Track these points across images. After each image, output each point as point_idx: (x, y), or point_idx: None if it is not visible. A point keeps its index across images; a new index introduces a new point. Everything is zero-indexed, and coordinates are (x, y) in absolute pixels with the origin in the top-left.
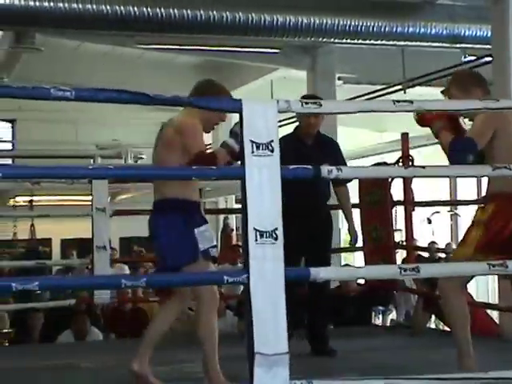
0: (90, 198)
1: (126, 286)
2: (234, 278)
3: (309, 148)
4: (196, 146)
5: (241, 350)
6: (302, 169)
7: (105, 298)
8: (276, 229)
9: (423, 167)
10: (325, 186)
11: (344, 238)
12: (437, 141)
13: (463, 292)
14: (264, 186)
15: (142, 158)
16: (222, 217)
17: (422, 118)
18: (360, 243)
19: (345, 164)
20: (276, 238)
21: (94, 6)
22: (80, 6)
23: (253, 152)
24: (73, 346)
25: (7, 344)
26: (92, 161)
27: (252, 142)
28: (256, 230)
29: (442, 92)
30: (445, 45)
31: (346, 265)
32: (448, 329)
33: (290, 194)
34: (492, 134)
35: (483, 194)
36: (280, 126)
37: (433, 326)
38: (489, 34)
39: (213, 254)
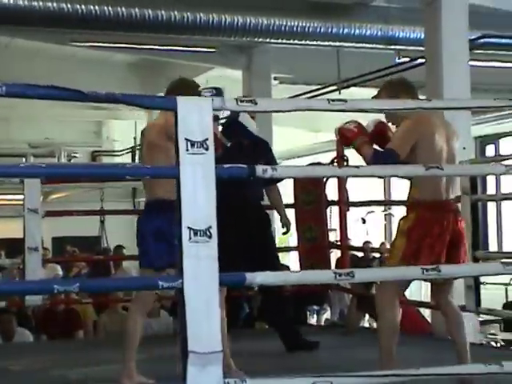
0: (21, 197)
1: (58, 291)
2: (169, 283)
3: (243, 148)
4: None
5: (175, 349)
6: (237, 168)
7: (36, 300)
8: (210, 227)
9: (357, 167)
10: (257, 186)
11: (279, 237)
12: None
13: (397, 303)
14: (198, 184)
15: (75, 156)
16: None
17: (343, 137)
18: (295, 243)
19: (275, 163)
20: (210, 237)
21: (26, 2)
22: (11, 1)
23: (187, 150)
24: (0, 347)
25: None
26: (24, 159)
27: (186, 140)
28: (190, 228)
29: (373, 98)
30: (379, 46)
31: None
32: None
33: (224, 196)
34: (414, 143)
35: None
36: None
37: (366, 324)
38: (422, 36)
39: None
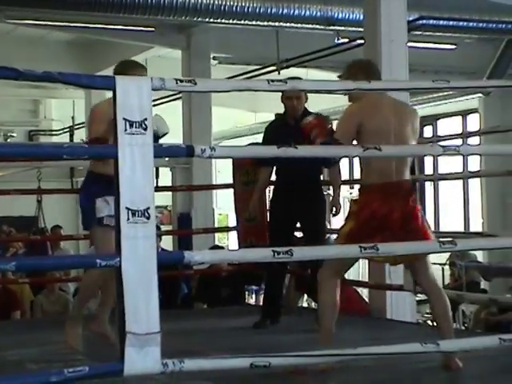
0: None
1: None
2: (106, 261)
3: (291, 129)
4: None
5: (113, 330)
6: (175, 147)
7: None
8: (148, 208)
9: (296, 147)
10: (313, 165)
11: (218, 218)
12: None
13: (337, 283)
14: (136, 164)
15: (12, 136)
16: None
17: (303, 128)
18: (234, 223)
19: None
20: (148, 218)
21: None
22: None
23: (126, 130)
24: None
25: None
26: None
27: (125, 119)
28: (128, 209)
29: (338, 77)
30: (318, 26)
31: (216, 245)
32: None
33: (277, 174)
34: (356, 128)
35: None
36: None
37: (305, 304)
38: (361, 17)
39: (107, 223)
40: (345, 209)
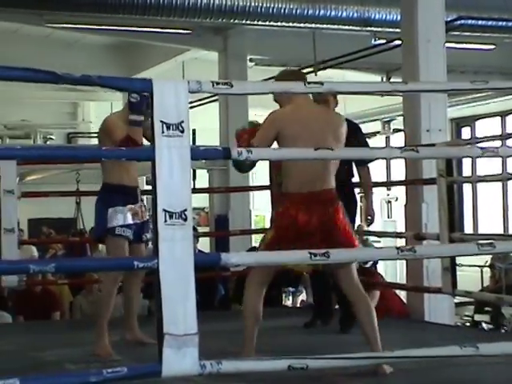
0: None
1: (34, 272)
2: (144, 263)
3: None
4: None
5: (151, 331)
6: (213, 149)
7: (12, 282)
8: (185, 210)
9: (332, 149)
10: (347, 166)
11: (255, 219)
12: None
13: (262, 292)
14: (174, 166)
15: (51, 138)
16: None
17: (236, 135)
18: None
19: (366, 145)
20: (185, 219)
21: None
22: None
23: (163, 132)
24: None
25: None
26: (0, 141)
27: (162, 122)
28: (165, 211)
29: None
30: (355, 28)
31: (255, 247)
32: None
33: None
34: (275, 135)
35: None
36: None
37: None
38: (398, 18)
39: (118, 233)
40: (381, 211)
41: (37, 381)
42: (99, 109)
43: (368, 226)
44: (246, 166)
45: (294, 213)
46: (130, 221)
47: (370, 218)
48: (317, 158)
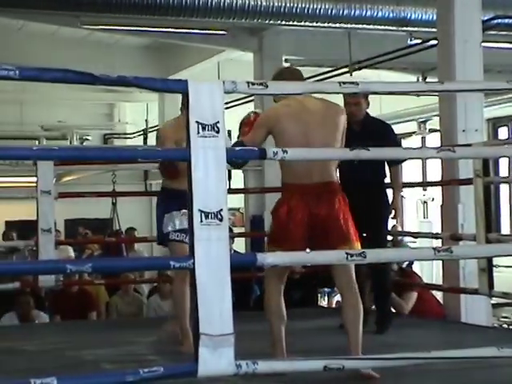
0: (34, 179)
1: (71, 271)
2: (180, 263)
3: (357, 134)
4: None
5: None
6: (248, 150)
7: (49, 281)
8: (221, 210)
9: (368, 149)
10: (375, 166)
11: None
12: None
13: (281, 290)
14: (209, 167)
15: (87, 139)
16: None
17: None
18: None
19: (397, 145)
20: (221, 220)
21: None
22: None
23: (198, 133)
24: (16, 328)
25: None
26: (37, 142)
27: (198, 123)
28: (201, 211)
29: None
30: (391, 28)
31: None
32: (394, 310)
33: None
34: (266, 134)
35: (428, 176)
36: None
37: None
38: (434, 17)
39: (173, 238)
40: (417, 212)
41: (74, 380)
42: (135, 110)
43: (393, 219)
44: (238, 163)
45: (286, 206)
46: (184, 225)
47: (395, 213)
48: (354, 158)
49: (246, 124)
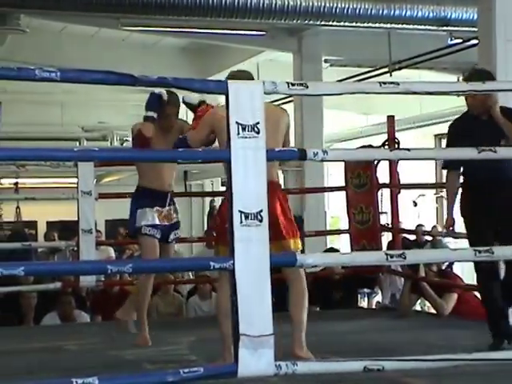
0: (75, 180)
1: (111, 272)
2: (220, 263)
3: (482, 124)
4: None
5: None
6: (288, 151)
7: (90, 282)
8: (261, 211)
9: (408, 150)
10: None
11: (330, 221)
12: (423, 123)
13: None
14: (249, 168)
15: (127, 140)
16: (208, 199)
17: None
18: (346, 226)
19: None
20: (261, 220)
21: None
22: None
23: (238, 134)
24: (58, 328)
25: None
26: (77, 143)
27: (238, 123)
28: (241, 212)
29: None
30: (431, 27)
31: (331, 248)
32: (434, 311)
33: (476, 171)
34: (209, 131)
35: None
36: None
37: (418, 308)
38: (475, 17)
39: (144, 232)
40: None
41: (115, 380)
42: None
43: None
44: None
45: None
46: (156, 221)
47: None
48: (395, 157)
49: (196, 117)
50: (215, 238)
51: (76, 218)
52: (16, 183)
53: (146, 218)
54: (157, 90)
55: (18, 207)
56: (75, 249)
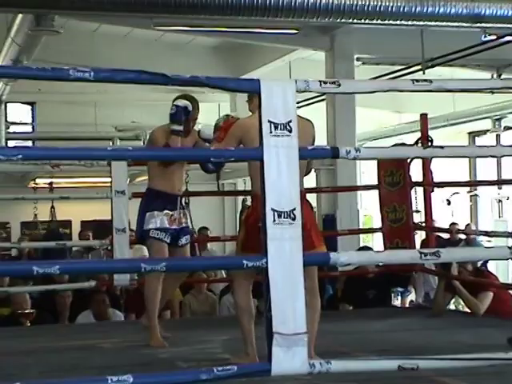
0: (109, 179)
1: (145, 270)
2: (253, 262)
3: None
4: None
5: (260, 330)
6: (321, 149)
7: (124, 281)
8: (294, 209)
9: (442, 147)
10: None
11: (363, 219)
12: (457, 121)
13: (249, 290)
14: (282, 166)
15: None
16: (240, 198)
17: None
18: (379, 224)
19: None
20: (294, 219)
21: None
22: None
23: (271, 132)
24: (92, 326)
25: (29, 324)
26: (111, 143)
27: (270, 122)
28: (274, 210)
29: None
30: (464, 24)
31: (365, 246)
32: (468, 310)
33: None
34: (238, 142)
35: (503, 174)
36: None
37: (452, 307)
38: (510, 13)
39: (153, 235)
40: (492, 211)
41: (149, 378)
42: (207, 110)
43: None
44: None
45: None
46: (165, 225)
47: None
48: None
49: (220, 129)
50: (241, 244)
51: (110, 217)
52: (51, 183)
53: (154, 222)
54: (181, 103)
55: (52, 207)
56: (109, 248)
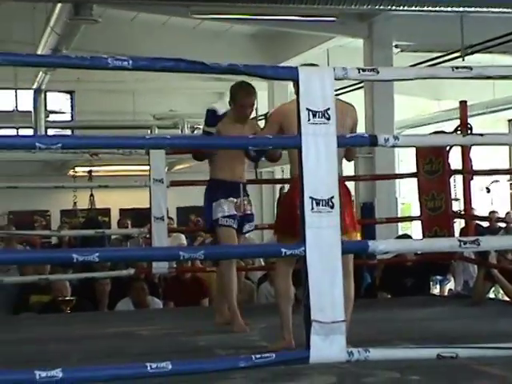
0: (147, 168)
1: (184, 258)
2: (291, 250)
3: None
4: None
5: (297, 318)
6: (359, 137)
7: (163, 268)
8: (332, 197)
9: (481, 135)
10: None
11: (401, 207)
12: (496, 108)
13: (290, 275)
14: (320, 154)
15: (198, 128)
16: (278, 186)
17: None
18: (417, 212)
19: None
20: (332, 207)
21: None
22: None
23: (309, 120)
24: (131, 314)
25: (69, 311)
26: (149, 131)
27: (308, 110)
28: (312, 198)
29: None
30: (505, 10)
31: (404, 234)
32: (508, 299)
33: None
34: (279, 129)
35: None
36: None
37: (492, 295)
38: None
39: (222, 223)
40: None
41: (188, 365)
42: None
43: None
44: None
45: (294, 197)
46: (232, 212)
47: None
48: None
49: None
50: (276, 225)
51: (148, 206)
52: (90, 171)
53: (222, 210)
54: (210, 107)
55: (91, 195)
56: (147, 236)
